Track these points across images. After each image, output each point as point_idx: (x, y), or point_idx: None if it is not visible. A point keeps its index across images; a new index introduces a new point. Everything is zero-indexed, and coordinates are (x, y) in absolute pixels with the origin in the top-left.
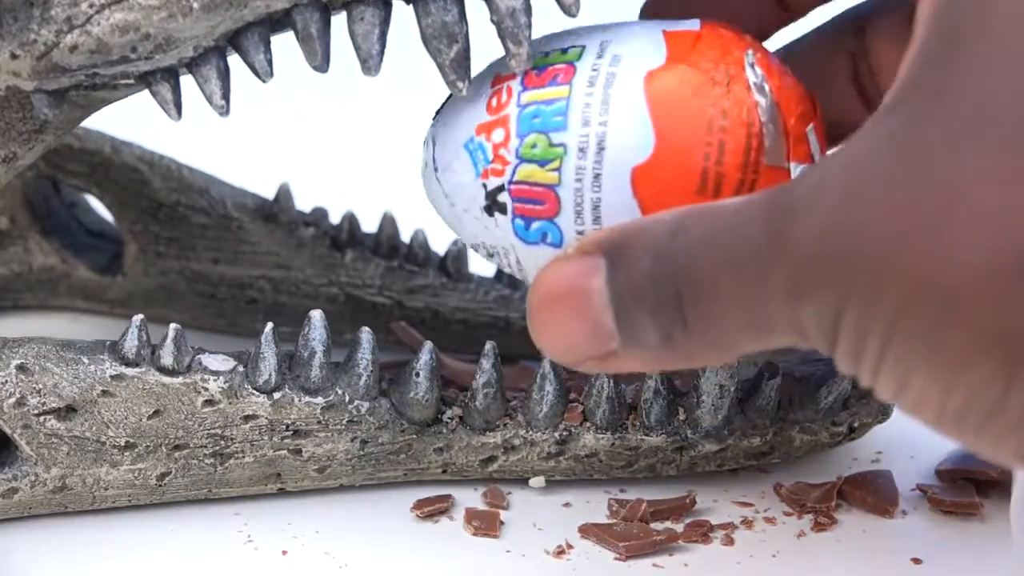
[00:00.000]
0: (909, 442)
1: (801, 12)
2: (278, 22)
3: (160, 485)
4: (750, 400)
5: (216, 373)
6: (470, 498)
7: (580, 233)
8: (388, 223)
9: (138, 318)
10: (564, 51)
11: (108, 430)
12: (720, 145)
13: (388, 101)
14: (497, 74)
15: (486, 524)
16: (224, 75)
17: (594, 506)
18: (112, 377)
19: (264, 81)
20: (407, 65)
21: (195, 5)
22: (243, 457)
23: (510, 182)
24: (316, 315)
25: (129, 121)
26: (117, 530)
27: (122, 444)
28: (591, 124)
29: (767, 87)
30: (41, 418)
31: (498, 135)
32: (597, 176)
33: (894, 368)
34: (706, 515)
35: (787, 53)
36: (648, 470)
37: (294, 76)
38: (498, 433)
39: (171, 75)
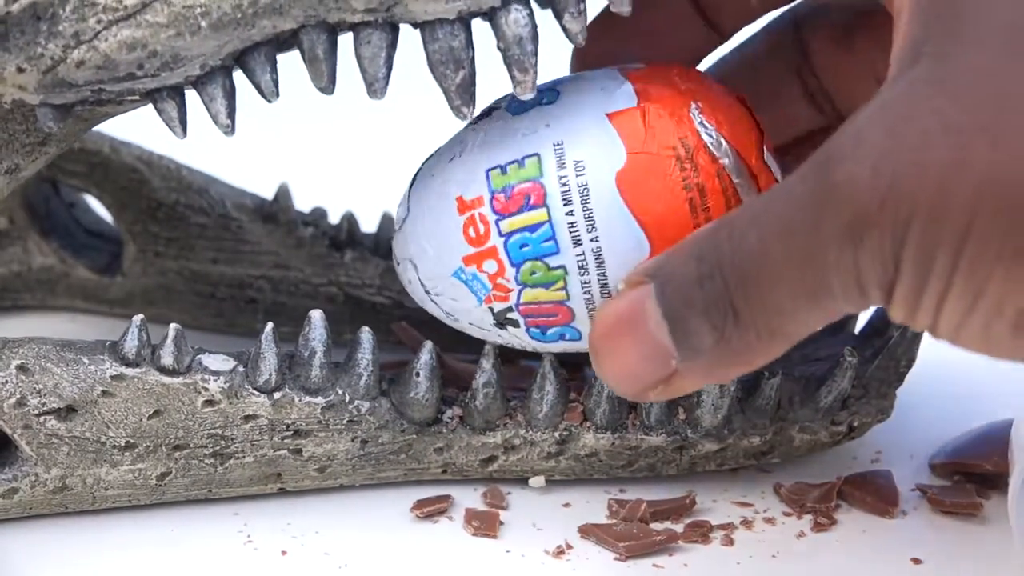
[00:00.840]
0: (908, 442)
1: (732, 33)
2: (284, 41)
3: (160, 485)
4: (750, 400)
5: (216, 373)
6: (470, 498)
7: None
8: (387, 223)
9: (138, 318)
10: (520, 164)
11: (108, 430)
12: (707, 221)
13: (387, 101)
14: (459, 196)
15: (486, 524)
16: (230, 94)
17: (594, 506)
18: (112, 377)
19: (270, 102)
20: (406, 65)
21: (203, 24)
22: (243, 457)
23: (517, 305)
24: (316, 315)
25: (128, 121)
26: (117, 530)
27: (122, 444)
28: (583, 243)
29: (723, 141)
30: (41, 418)
31: (490, 266)
32: (604, 286)
33: (967, 281)
34: (706, 515)
35: (731, 73)
36: (648, 469)
37: (293, 76)
38: (498, 433)
39: (177, 93)
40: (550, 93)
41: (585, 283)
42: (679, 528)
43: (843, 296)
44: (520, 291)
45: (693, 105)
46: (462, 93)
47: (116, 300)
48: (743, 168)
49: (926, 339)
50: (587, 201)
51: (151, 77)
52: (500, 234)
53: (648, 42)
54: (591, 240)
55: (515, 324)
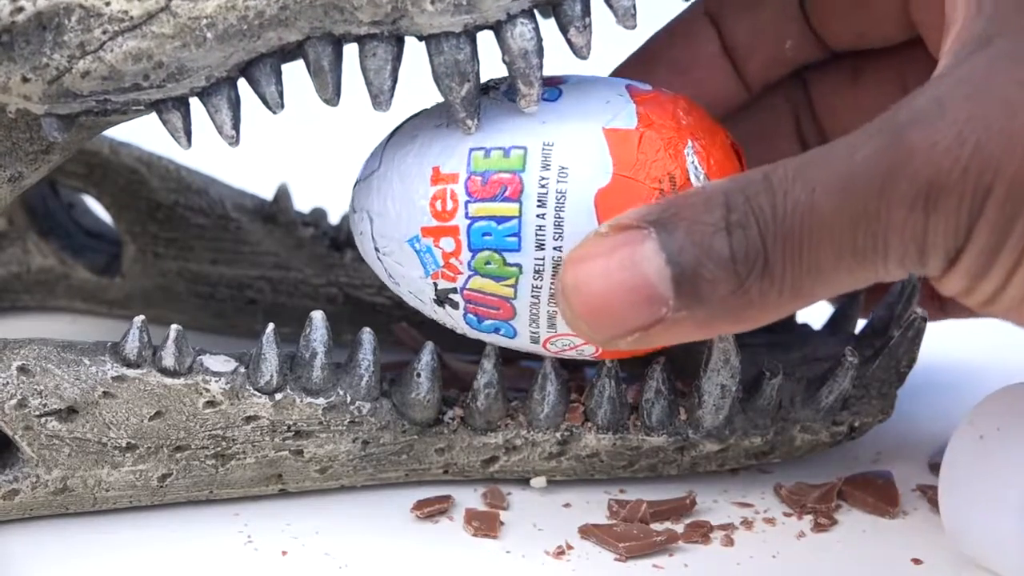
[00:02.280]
0: (909, 442)
1: (759, 86)
2: (289, 52)
3: (161, 486)
4: (751, 400)
5: (218, 374)
6: (470, 498)
7: (534, 333)
8: None
9: (139, 319)
10: (506, 153)
11: (109, 431)
12: None
13: None
14: (436, 167)
15: (486, 525)
16: (235, 105)
17: (594, 507)
18: (113, 378)
19: (275, 113)
20: (409, 68)
21: (209, 35)
22: (244, 458)
23: (463, 288)
24: (317, 316)
25: (128, 122)
26: (117, 531)
27: (123, 445)
28: (546, 247)
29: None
30: (42, 419)
31: (447, 244)
32: (554, 295)
33: None
34: (706, 515)
35: (729, 109)
36: (649, 470)
37: (293, 76)
38: (499, 433)
39: (182, 103)
40: (552, 90)
41: (536, 287)
42: (679, 528)
43: (897, 260)
44: (469, 277)
45: (690, 143)
46: (467, 106)
47: (115, 301)
48: None
49: (926, 338)
50: (561, 209)
51: (156, 88)
52: (466, 216)
53: (674, 77)
54: (555, 248)
55: (454, 305)
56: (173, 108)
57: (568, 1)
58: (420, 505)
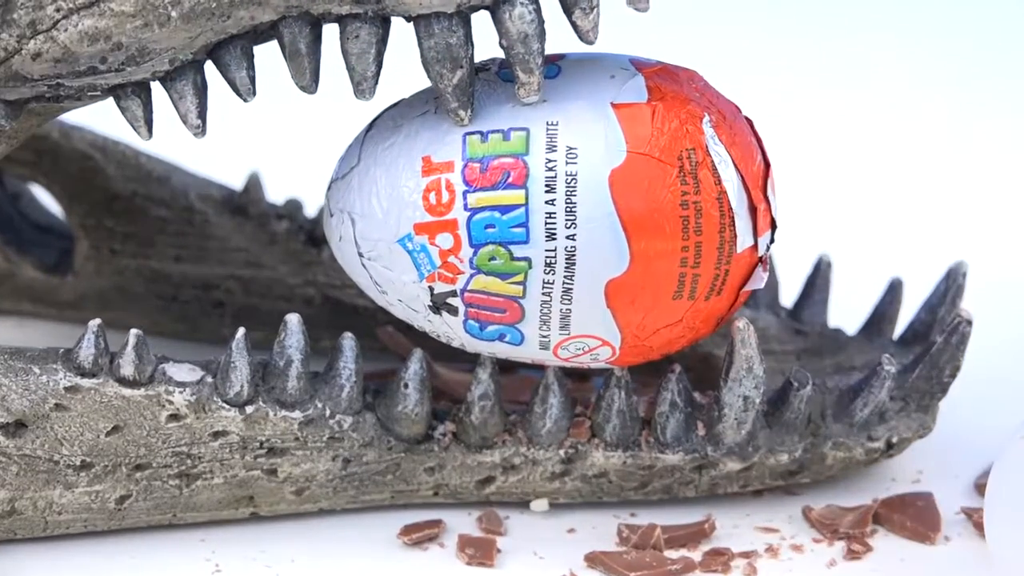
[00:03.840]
0: (953, 460)
1: None
2: (262, 33)
3: (120, 509)
4: (777, 413)
5: (182, 384)
6: (463, 523)
7: (545, 337)
8: None
9: (95, 323)
10: (505, 136)
11: (62, 448)
12: (696, 247)
13: None
14: (426, 156)
15: (481, 552)
16: (201, 91)
17: (601, 532)
18: (66, 389)
19: (245, 101)
20: (395, 50)
21: (173, 14)
22: (212, 478)
23: (464, 290)
24: (293, 319)
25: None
26: (70, 557)
27: (77, 464)
28: (557, 237)
29: (731, 163)
30: None
31: (445, 240)
32: (567, 291)
33: None
34: (726, 542)
35: None
36: (664, 492)
37: (265, 56)
38: (496, 451)
39: (143, 89)
40: (550, 67)
41: (548, 283)
42: (696, 556)
43: None
44: (472, 276)
45: (707, 117)
46: (459, 95)
47: (67, 302)
48: (745, 198)
49: (972, 344)
50: (572, 193)
51: (115, 72)
52: (465, 207)
53: None
54: (567, 237)
55: (453, 311)
56: (132, 94)
57: None
58: (408, 530)
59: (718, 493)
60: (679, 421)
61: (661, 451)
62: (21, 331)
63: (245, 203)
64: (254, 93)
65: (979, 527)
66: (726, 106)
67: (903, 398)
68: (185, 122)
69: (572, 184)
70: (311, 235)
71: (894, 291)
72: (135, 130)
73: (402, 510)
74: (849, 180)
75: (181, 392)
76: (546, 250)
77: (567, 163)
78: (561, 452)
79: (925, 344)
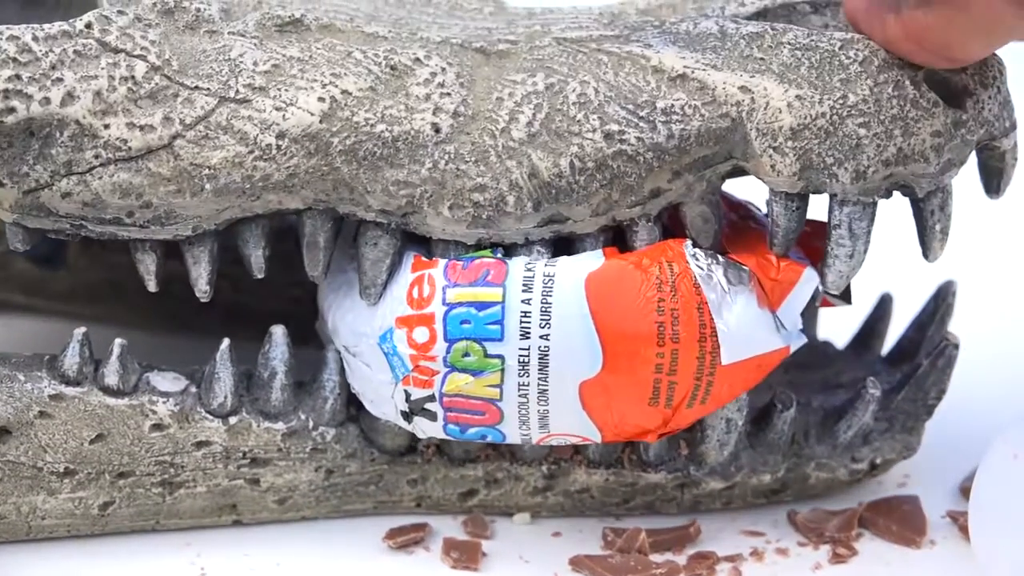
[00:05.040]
0: (938, 464)
1: None
2: (284, 215)
3: (103, 515)
4: (760, 434)
5: (165, 394)
6: (449, 527)
7: (526, 435)
8: None
9: (80, 331)
10: None
11: (46, 455)
12: (672, 355)
13: None
14: (417, 255)
15: (466, 556)
16: (215, 260)
17: (587, 536)
18: (51, 397)
19: (255, 277)
20: None
21: (207, 186)
22: (194, 487)
23: (442, 394)
24: (278, 331)
25: None
26: (55, 560)
27: (61, 471)
28: (531, 336)
29: (715, 275)
30: None
31: (421, 334)
32: (543, 392)
33: None
34: (711, 545)
35: None
36: (646, 508)
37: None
38: (479, 465)
39: (160, 246)
40: None
41: (523, 385)
42: (681, 560)
43: None
44: (446, 375)
45: (689, 242)
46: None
47: (58, 295)
48: (751, 284)
49: (960, 353)
50: (548, 294)
51: (139, 228)
52: (443, 302)
53: None
54: (540, 337)
55: (431, 417)
56: (150, 250)
57: (589, 239)
58: (393, 534)
59: (700, 510)
60: (662, 442)
61: (644, 470)
62: (8, 331)
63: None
64: (264, 273)
65: (965, 531)
66: (742, 226)
67: (888, 419)
68: (195, 286)
69: (548, 285)
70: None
71: (883, 306)
72: (144, 281)
73: (387, 514)
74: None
75: (165, 402)
76: (520, 348)
77: (546, 266)
78: (544, 468)
79: (912, 363)
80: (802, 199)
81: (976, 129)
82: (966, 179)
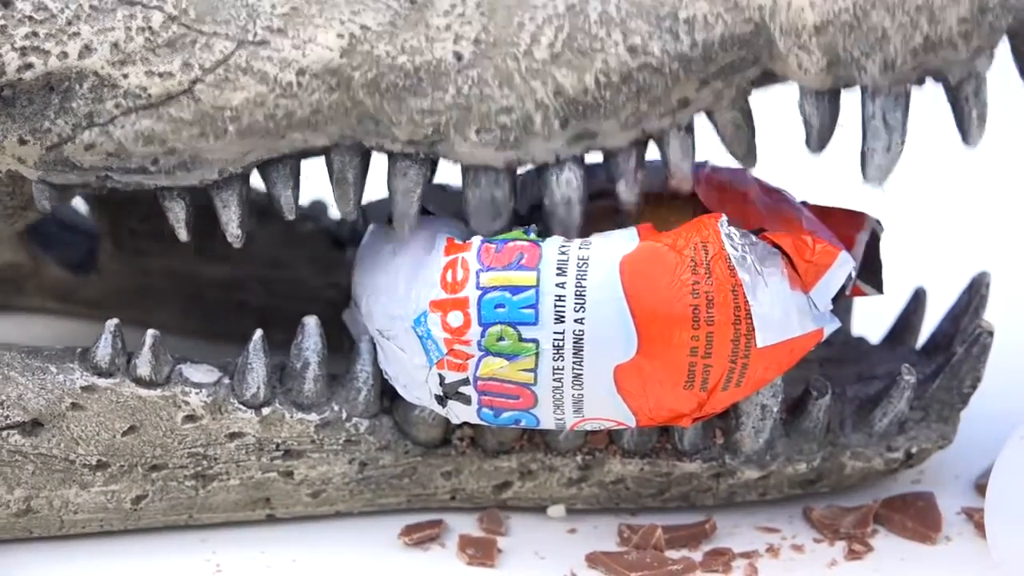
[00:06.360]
0: (953, 461)
1: None
2: (312, 153)
3: (135, 509)
4: (795, 422)
5: (198, 385)
6: (464, 523)
7: (560, 419)
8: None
9: (112, 323)
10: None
11: (78, 447)
12: (707, 338)
13: None
14: (450, 238)
15: (482, 552)
16: (245, 204)
17: (602, 532)
18: (83, 388)
19: (286, 218)
20: None
21: (230, 128)
22: (228, 479)
23: (476, 378)
24: (310, 321)
25: None
26: (69, 557)
27: (93, 463)
28: (566, 320)
29: (749, 257)
30: (3, 433)
31: (455, 318)
32: (577, 376)
33: None
34: (727, 542)
35: None
36: (682, 499)
37: None
38: (513, 457)
39: (188, 192)
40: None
41: (558, 369)
42: (697, 556)
43: None
44: (480, 359)
45: (724, 217)
46: (491, 234)
47: (91, 301)
48: (784, 270)
49: None
50: (583, 277)
51: (165, 174)
52: (478, 286)
53: None
54: (575, 321)
55: (465, 401)
56: (178, 197)
57: (622, 154)
58: (409, 530)
59: (736, 501)
60: (697, 429)
61: (679, 459)
62: (43, 329)
63: (269, 204)
64: (295, 213)
65: (980, 527)
66: (783, 210)
67: (923, 408)
68: (226, 230)
69: (583, 268)
70: (335, 237)
71: (918, 300)
72: (175, 230)
73: (421, 509)
74: (873, 191)
75: (197, 393)
76: (554, 332)
77: (580, 248)
78: (578, 459)
79: (947, 354)
80: (833, 96)
81: (1003, 15)
82: (1000, 175)
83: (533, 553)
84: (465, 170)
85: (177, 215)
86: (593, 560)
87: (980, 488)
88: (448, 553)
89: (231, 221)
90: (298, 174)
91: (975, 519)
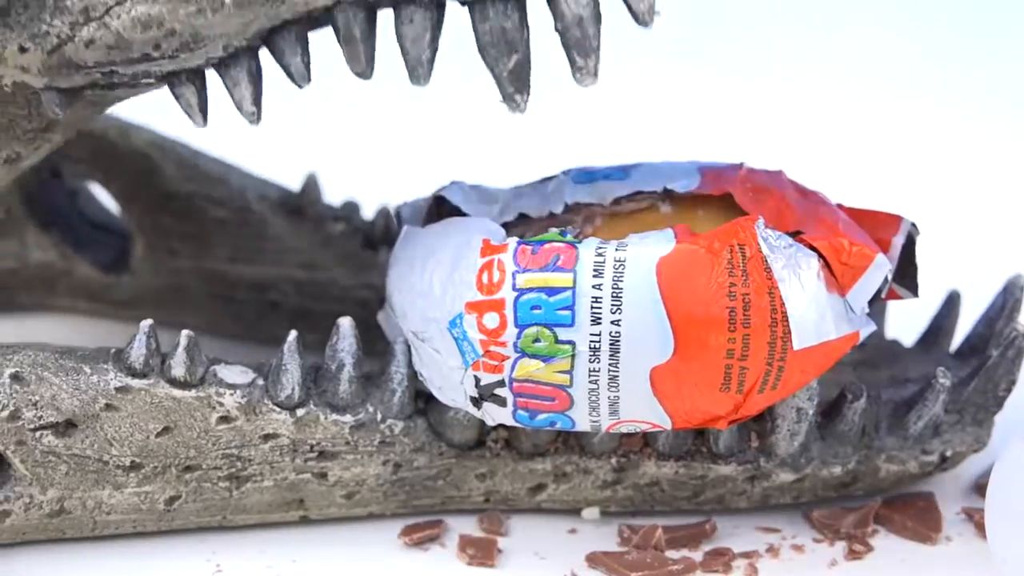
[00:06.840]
0: None
1: None
2: (317, 19)
3: (169, 510)
4: (830, 425)
5: (233, 386)
6: (464, 523)
7: (596, 422)
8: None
9: (146, 323)
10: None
11: (112, 448)
12: (744, 340)
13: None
14: (486, 239)
15: (482, 552)
16: (256, 78)
17: (602, 532)
18: (117, 389)
19: (300, 87)
20: (450, 42)
21: (227, 0)
22: (262, 480)
23: (512, 379)
24: (345, 323)
25: (138, 99)
26: (70, 558)
27: (127, 464)
28: (602, 322)
29: (786, 260)
30: (37, 433)
31: (491, 319)
32: (613, 378)
33: None
34: (727, 542)
35: None
36: (716, 502)
37: (323, 53)
38: (548, 459)
39: (197, 76)
40: (620, 171)
41: (594, 371)
42: (698, 556)
43: None
44: (516, 361)
45: (761, 219)
46: (515, 80)
47: (122, 301)
48: (820, 273)
49: None
50: (620, 279)
51: (168, 59)
52: (514, 287)
53: None
54: (612, 322)
55: (501, 403)
56: (187, 81)
57: None
58: (409, 530)
59: (770, 504)
60: (732, 432)
61: (714, 461)
62: (76, 330)
63: (302, 204)
64: (309, 79)
65: (980, 527)
66: (817, 212)
67: (958, 411)
68: (240, 109)
69: (620, 270)
70: (367, 237)
71: (952, 303)
72: (190, 117)
73: (456, 511)
74: (908, 193)
75: (232, 394)
76: (591, 334)
77: (616, 250)
78: (613, 461)
79: (982, 357)
80: None
81: None
82: None
83: (533, 553)
84: (472, 6)
85: (189, 101)
86: (593, 560)
87: (980, 488)
88: (448, 553)
89: (244, 98)
90: (306, 41)
91: (975, 519)
